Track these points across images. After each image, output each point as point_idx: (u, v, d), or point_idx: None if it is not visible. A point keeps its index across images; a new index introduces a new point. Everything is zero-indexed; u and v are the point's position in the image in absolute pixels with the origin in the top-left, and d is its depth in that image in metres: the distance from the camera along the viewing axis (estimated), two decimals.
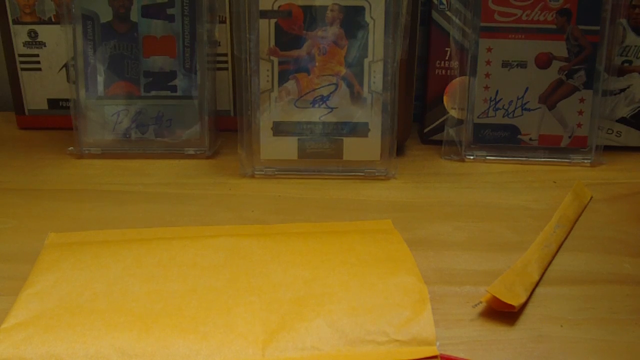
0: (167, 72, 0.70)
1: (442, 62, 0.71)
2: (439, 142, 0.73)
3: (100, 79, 0.69)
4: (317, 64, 0.64)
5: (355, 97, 0.65)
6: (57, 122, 0.77)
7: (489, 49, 0.68)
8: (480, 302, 0.45)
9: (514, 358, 0.41)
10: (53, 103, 0.77)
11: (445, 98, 0.72)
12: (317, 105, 0.65)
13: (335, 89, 0.65)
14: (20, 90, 0.76)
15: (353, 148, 0.66)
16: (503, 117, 0.70)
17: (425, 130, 0.74)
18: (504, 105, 0.69)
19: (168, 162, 0.69)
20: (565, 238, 0.55)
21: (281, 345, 0.40)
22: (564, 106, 0.69)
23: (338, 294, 0.44)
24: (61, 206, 0.60)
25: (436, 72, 0.72)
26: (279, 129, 0.65)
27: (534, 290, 0.47)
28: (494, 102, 0.69)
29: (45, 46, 0.75)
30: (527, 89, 0.69)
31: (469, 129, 0.70)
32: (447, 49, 0.70)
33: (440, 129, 0.73)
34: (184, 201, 0.61)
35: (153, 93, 0.70)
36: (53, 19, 0.74)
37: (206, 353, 0.40)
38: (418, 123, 0.77)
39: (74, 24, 0.68)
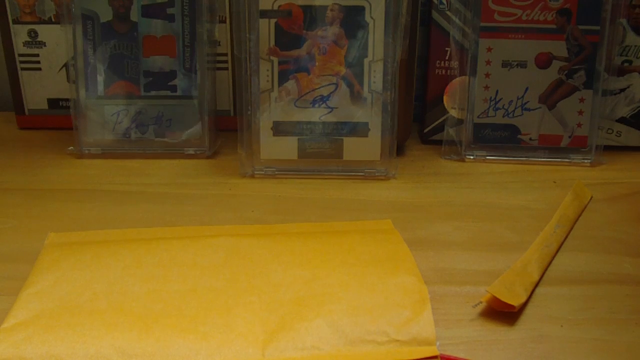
0: (167, 72, 0.70)
1: (442, 62, 0.71)
2: (439, 142, 0.73)
3: (100, 78, 0.69)
4: (317, 63, 0.64)
5: (355, 97, 0.65)
6: (57, 122, 0.77)
7: (489, 49, 0.68)
8: (480, 302, 0.45)
9: (514, 358, 0.41)
10: (53, 103, 0.77)
11: (445, 98, 0.72)
12: (317, 105, 0.65)
13: (335, 89, 0.65)
14: (20, 90, 0.76)
15: (353, 148, 0.66)
16: (503, 117, 0.70)
17: (425, 130, 0.74)
18: (504, 105, 0.69)
19: (168, 162, 0.69)
20: (565, 238, 0.55)
21: (281, 345, 0.40)
22: (564, 106, 0.69)
23: (338, 294, 0.44)
24: (61, 206, 0.60)
25: (436, 72, 0.72)
26: (279, 128, 0.65)
27: (534, 290, 0.47)
28: (494, 102, 0.69)
29: (45, 46, 0.75)
30: (527, 88, 0.69)
31: (469, 128, 0.70)
32: (447, 49, 0.70)
33: (440, 129, 0.73)
34: (184, 201, 0.61)
35: (153, 93, 0.70)
36: (53, 19, 0.74)
37: (206, 353, 0.40)
38: (418, 123, 0.77)
39: (74, 24, 0.68)
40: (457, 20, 0.69)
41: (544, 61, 0.68)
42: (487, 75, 0.69)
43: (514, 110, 0.69)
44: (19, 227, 0.56)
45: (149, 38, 0.69)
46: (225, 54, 0.75)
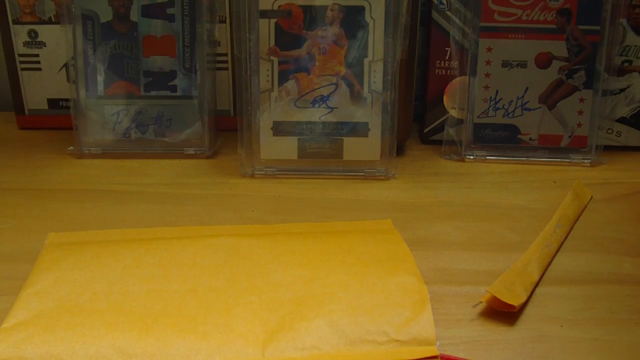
0: (167, 72, 0.70)
1: (442, 62, 0.71)
2: (439, 142, 0.73)
3: (100, 78, 0.69)
4: (317, 63, 0.64)
5: (355, 97, 0.65)
6: (57, 122, 0.77)
7: (489, 49, 0.68)
8: (480, 302, 0.45)
9: (514, 358, 0.41)
10: (53, 103, 0.77)
11: (445, 98, 0.72)
12: (317, 105, 0.65)
13: (335, 89, 0.65)
14: (20, 90, 0.76)
15: (353, 148, 0.66)
16: (503, 117, 0.70)
17: (425, 130, 0.74)
18: (504, 105, 0.69)
19: (168, 162, 0.69)
20: (565, 238, 0.55)
21: (281, 345, 0.40)
22: (564, 106, 0.69)
23: (338, 294, 0.44)
24: (61, 206, 0.60)
25: (436, 72, 0.72)
26: (279, 128, 0.65)
27: (534, 290, 0.47)
28: (494, 102, 0.69)
29: (45, 46, 0.75)
30: (527, 88, 0.69)
31: (469, 128, 0.70)
32: (447, 49, 0.70)
33: (440, 129, 0.73)
34: (184, 201, 0.61)
35: (153, 93, 0.70)
36: (53, 19, 0.74)
37: (206, 353, 0.40)
38: (418, 123, 0.77)
39: (74, 24, 0.68)
40: (457, 20, 0.69)
41: (544, 61, 0.68)
42: (487, 75, 0.69)
43: (514, 110, 0.69)
44: (19, 227, 0.56)
45: (149, 38, 0.69)
46: (225, 54, 0.75)
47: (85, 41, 0.68)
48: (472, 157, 0.70)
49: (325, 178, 0.66)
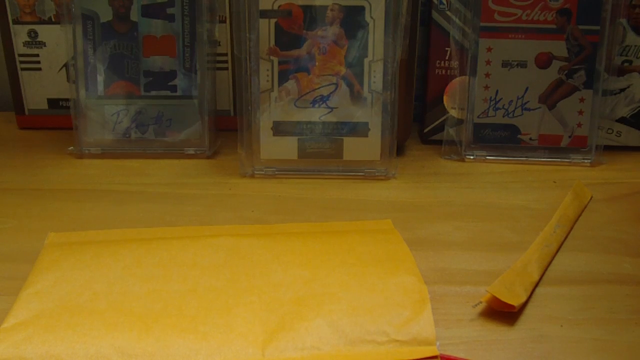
0: (167, 72, 0.70)
1: (442, 62, 0.71)
2: (439, 142, 0.73)
3: (100, 78, 0.69)
4: (317, 63, 0.64)
5: (355, 96, 0.65)
6: (57, 122, 0.77)
7: (489, 49, 0.68)
8: (480, 302, 0.45)
9: (514, 358, 0.41)
10: (53, 103, 0.77)
11: (445, 98, 0.72)
12: (317, 105, 0.65)
13: (335, 89, 0.65)
14: (20, 90, 0.76)
15: (353, 148, 0.66)
16: (503, 117, 0.70)
17: (425, 130, 0.74)
18: (504, 105, 0.69)
19: (168, 162, 0.69)
20: (565, 238, 0.55)
21: (281, 345, 0.40)
22: (564, 106, 0.69)
23: (338, 294, 0.44)
24: (61, 206, 0.60)
25: (436, 72, 0.72)
26: (279, 128, 0.65)
27: (534, 290, 0.47)
28: (494, 102, 0.69)
29: (45, 46, 0.75)
30: (527, 88, 0.69)
31: (469, 128, 0.70)
32: (447, 49, 0.70)
33: (440, 129, 0.73)
34: (184, 201, 0.61)
35: (153, 93, 0.70)
36: (53, 19, 0.74)
37: (206, 353, 0.40)
38: (418, 123, 0.77)
39: (74, 24, 0.68)
40: (457, 20, 0.69)
41: (544, 61, 0.68)
42: (487, 75, 0.69)
43: (514, 110, 0.69)
44: (19, 227, 0.56)
45: (149, 38, 0.69)
46: (225, 54, 0.75)
47: (85, 41, 0.68)
48: (472, 157, 0.70)
49: (325, 178, 0.66)
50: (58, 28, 0.74)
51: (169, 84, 0.70)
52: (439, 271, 0.50)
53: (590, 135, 0.69)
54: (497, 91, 0.69)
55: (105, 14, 0.68)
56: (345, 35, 0.64)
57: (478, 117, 0.70)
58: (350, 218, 0.58)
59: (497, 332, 0.43)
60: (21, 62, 0.75)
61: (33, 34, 0.74)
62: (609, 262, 0.52)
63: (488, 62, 0.68)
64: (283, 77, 0.64)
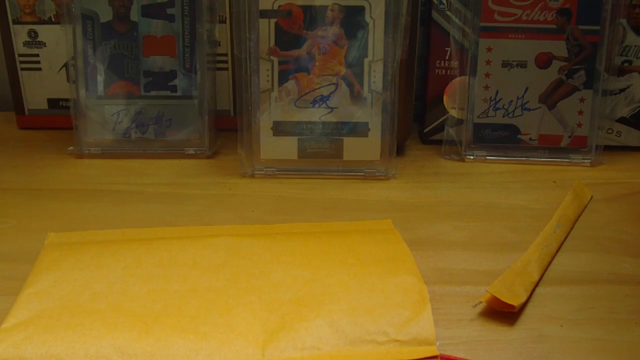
0: (167, 72, 0.70)
1: (442, 62, 0.71)
2: (439, 142, 0.73)
3: (100, 78, 0.69)
4: (317, 63, 0.64)
5: (355, 96, 0.65)
6: (57, 122, 0.77)
7: (489, 49, 0.68)
8: (480, 302, 0.45)
9: (514, 358, 0.41)
10: (53, 103, 0.77)
11: (445, 98, 0.72)
12: (317, 105, 0.65)
13: (335, 89, 0.65)
14: (20, 90, 0.76)
15: (353, 148, 0.66)
16: (503, 117, 0.70)
17: (425, 130, 0.74)
18: (504, 105, 0.69)
19: (168, 162, 0.69)
20: (565, 238, 0.55)
21: (281, 345, 0.40)
22: (564, 106, 0.69)
23: (338, 294, 0.44)
24: (61, 206, 0.60)
25: (436, 72, 0.72)
26: (279, 128, 0.65)
27: (534, 290, 0.47)
28: (494, 102, 0.69)
29: (45, 46, 0.75)
30: (527, 88, 0.69)
31: (469, 128, 0.70)
32: (447, 49, 0.70)
33: (440, 129, 0.73)
34: (184, 201, 0.61)
35: (153, 93, 0.70)
36: (53, 19, 0.74)
37: (206, 353, 0.40)
38: (418, 123, 0.77)
39: (74, 24, 0.68)
40: (457, 20, 0.69)
41: (544, 61, 0.68)
42: (487, 75, 0.69)
43: (514, 110, 0.69)
44: (19, 227, 0.56)
45: (149, 38, 0.69)
46: (225, 54, 0.75)
47: (85, 41, 0.68)
48: (472, 157, 0.70)
49: (325, 178, 0.66)
50: (58, 28, 0.74)
51: (169, 84, 0.70)
52: (439, 271, 0.50)
53: (590, 135, 0.69)
54: (497, 91, 0.69)
55: (105, 14, 0.68)
56: (345, 35, 0.64)
57: (478, 117, 0.70)
58: (350, 218, 0.58)
59: (497, 332, 0.43)
60: (21, 62, 0.75)
61: (33, 34, 0.74)
62: (609, 262, 0.52)
63: (488, 62, 0.68)
64: (283, 77, 0.64)
